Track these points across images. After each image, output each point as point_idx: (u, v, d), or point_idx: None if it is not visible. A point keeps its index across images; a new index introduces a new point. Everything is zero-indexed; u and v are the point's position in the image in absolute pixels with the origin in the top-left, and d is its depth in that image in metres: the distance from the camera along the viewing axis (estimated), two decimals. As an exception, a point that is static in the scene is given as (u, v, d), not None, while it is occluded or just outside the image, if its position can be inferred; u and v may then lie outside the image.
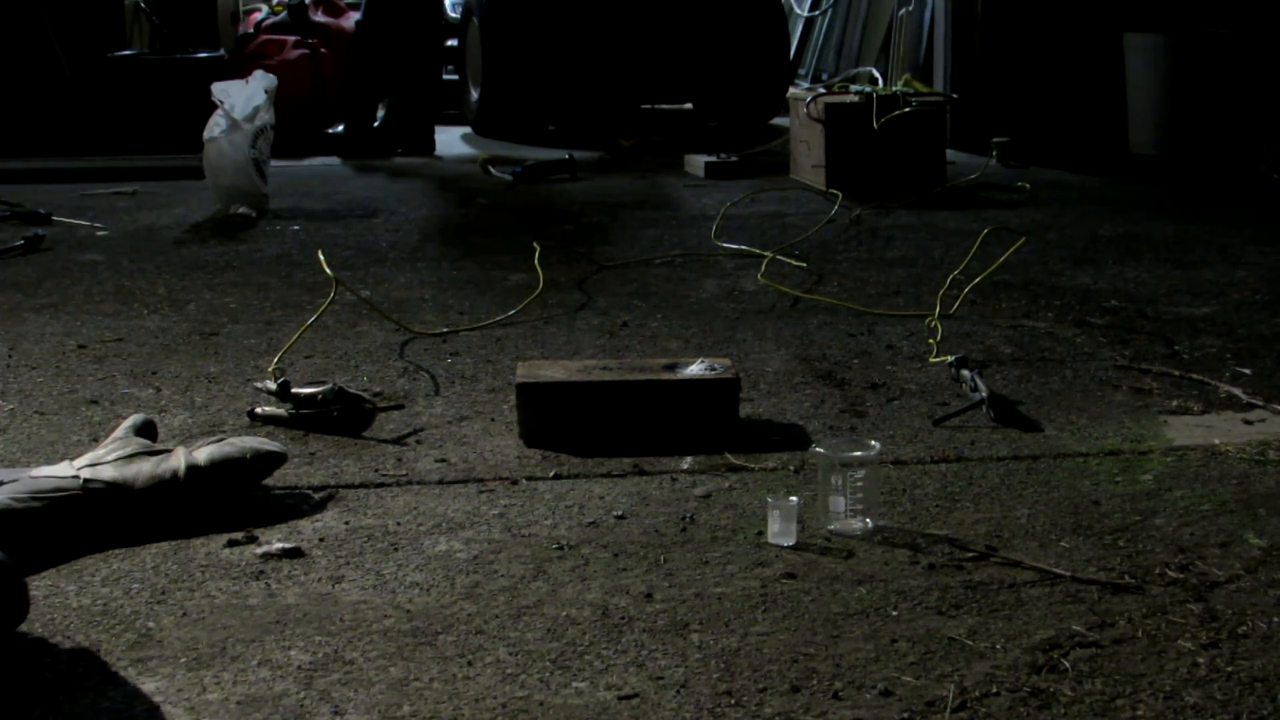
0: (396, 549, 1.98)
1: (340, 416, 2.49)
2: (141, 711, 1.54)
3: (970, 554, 1.95)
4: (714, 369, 2.48)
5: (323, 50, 6.90)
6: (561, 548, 1.98)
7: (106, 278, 3.76)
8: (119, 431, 2.21)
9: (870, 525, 2.03)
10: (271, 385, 2.57)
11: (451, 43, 7.74)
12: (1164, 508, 2.11)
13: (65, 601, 1.81)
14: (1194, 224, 4.49)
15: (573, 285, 3.63)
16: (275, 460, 2.17)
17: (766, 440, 2.43)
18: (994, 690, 1.57)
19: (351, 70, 6.53)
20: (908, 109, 5.08)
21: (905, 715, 1.52)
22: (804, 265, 3.83)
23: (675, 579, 1.88)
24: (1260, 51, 5.89)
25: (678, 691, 1.58)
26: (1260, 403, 2.60)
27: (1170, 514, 2.09)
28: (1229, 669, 1.61)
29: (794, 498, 2.01)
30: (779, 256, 3.91)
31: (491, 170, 5.72)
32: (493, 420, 2.55)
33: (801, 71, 8.45)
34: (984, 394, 2.58)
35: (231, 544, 1.99)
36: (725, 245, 4.09)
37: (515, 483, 2.24)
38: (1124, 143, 6.07)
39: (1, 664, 1.64)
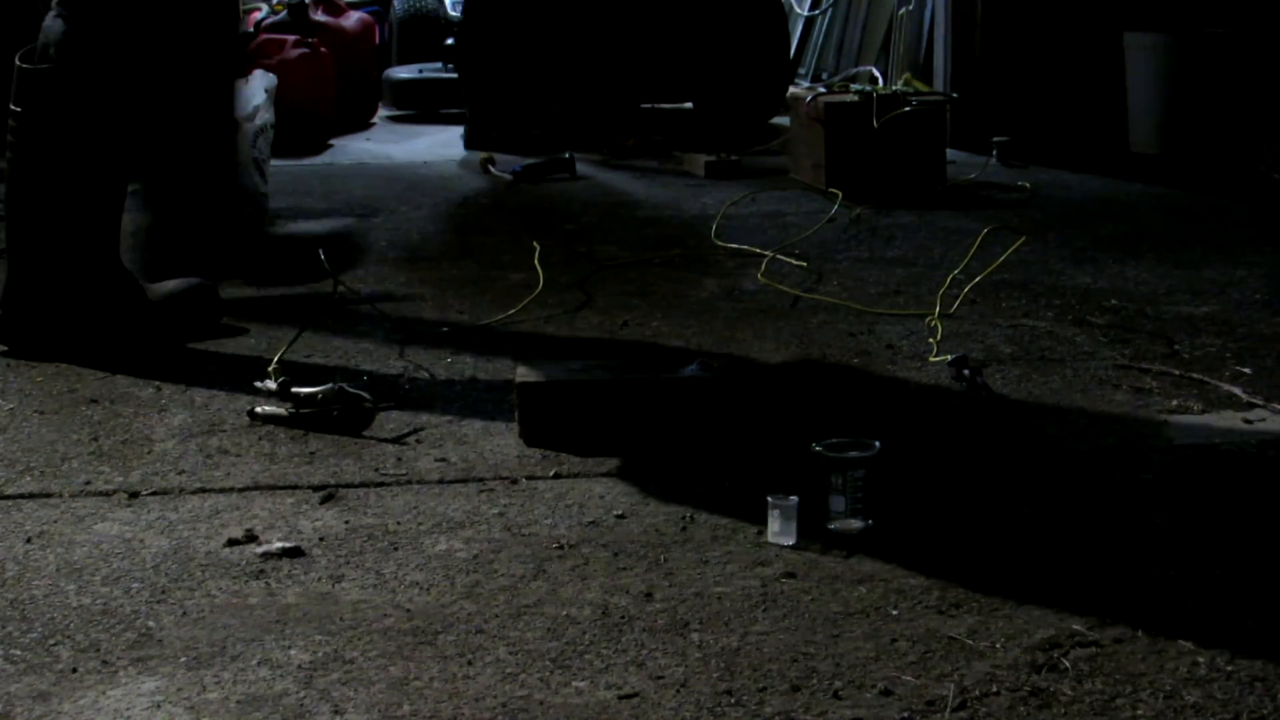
0: (396, 548, 1.98)
1: (340, 416, 2.49)
2: (141, 711, 1.54)
3: (971, 553, 1.95)
4: (713, 368, 2.48)
5: (322, 50, 6.90)
6: (561, 547, 1.98)
7: (106, 277, 3.76)
8: None
9: (870, 524, 2.03)
10: (271, 385, 2.57)
11: (448, 41, 7.74)
12: (1163, 507, 2.11)
13: (65, 601, 1.81)
14: (1194, 224, 4.49)
15: (573, 285, 3.62)
16: None
17: (766, 439, 2.43)
18: (994, 689, 1.57)
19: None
20: (908, 108, 5.08)
21: (905, 715, 1.52)
22: (804, 265, 3.83)
23: (675, 578, 1.88)
24: (1260, 51, 5.88)
25: (678, 691, 1.58)
26: (1260, 402, 2.60)
27: (1169, 513, 2.09)
28: (1229, 668, 1.61)
29: (794, 497, 2.01)
30: (779, 256, 3.91)
31: (491, 169, 5.72)
32: (493, 420, 2.55)
33: (801, 71, 8.44)
34: (983, 392, 2.58)
35: (231, 543, 1.99)
36: (725, 245, 4.09)
37: (515, 482, 2.25)
38: (1124, 142, 6.06)
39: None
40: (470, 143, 6.55)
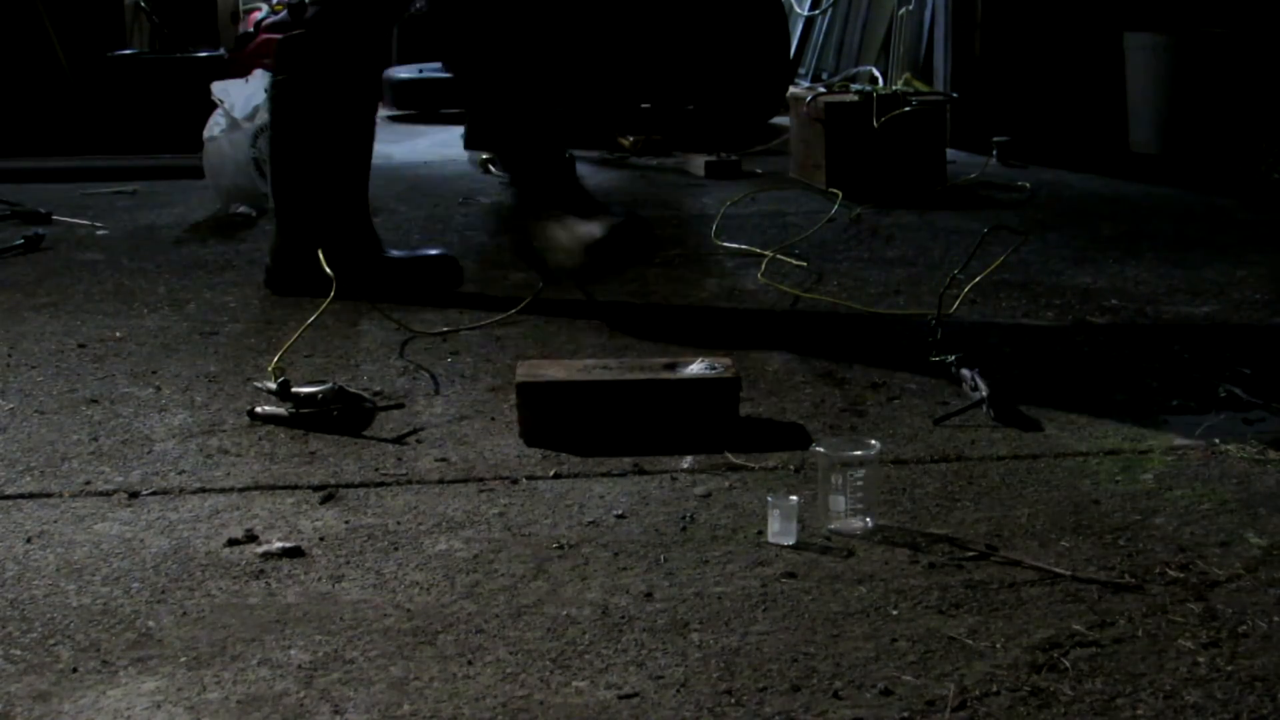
0: (396, 548, 1.98)
1: (340, 416, 2.49)
2: (141, 711, 1.54)
3: (970, 553, 1.95)
4: (714, 368, 2.48)
5: (323, 50, 6.90)
6: (561, 547, 1.98)
7: (106, 277, 3.76)
8: None
9: (870, 524, 2.03)
10: (271, 385, 2.57)
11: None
12: (1164, 507, 2.11)
13: (65, 601, 1.81)
14: (1194, 224, 4.49)
15: (573, 285, 3.62)
16: None
17: (766, 439, 2.43)
18: (994, 689, 1.57)
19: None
20: (908, 108, 5.08)
21: (905, 714, 1.52)
22: (804, 264, 3.83)
23: (675, 578, 1.88)
24: (1260, 51, 5.88)
25: (678, 690, 1.58)
26: (1260, 402, 2.60)
27: (1170, 513, 2.09)
28: (1229, 668, 1.61)
29: (794, 497, 2.01)
30: (779, 256, 3.91)
31: (492, 170, 5.72)
32: (493, 420, 2.55)
33: (802, 71, 8.44)
34: (984, 393, 2.58)
35: (231, 543, 1.99)
36: (725, 244, 4.09)
37: (515, 482, 2.25)
38: (1124, 142, 6.07)
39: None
40: (470, 143, 6.55)
